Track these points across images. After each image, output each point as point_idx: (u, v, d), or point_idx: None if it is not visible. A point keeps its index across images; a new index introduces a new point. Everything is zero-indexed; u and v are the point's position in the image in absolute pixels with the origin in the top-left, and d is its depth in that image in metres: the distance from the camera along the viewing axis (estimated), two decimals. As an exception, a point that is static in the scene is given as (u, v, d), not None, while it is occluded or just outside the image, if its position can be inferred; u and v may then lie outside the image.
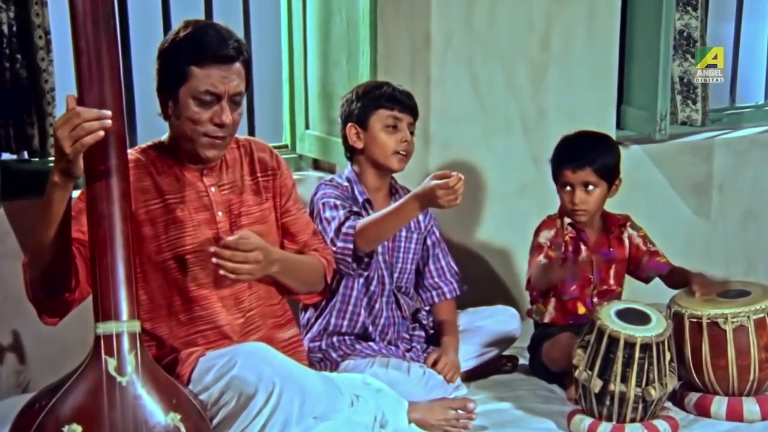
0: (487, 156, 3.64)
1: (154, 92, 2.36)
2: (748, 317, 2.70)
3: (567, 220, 3.02)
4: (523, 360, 3.17)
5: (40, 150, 2.78)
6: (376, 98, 2.84)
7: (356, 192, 2.86)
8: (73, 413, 1.97)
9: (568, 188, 2.98)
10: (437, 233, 3.06)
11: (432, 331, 3.03)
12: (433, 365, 2.79)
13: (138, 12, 3.16)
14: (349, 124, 2.87)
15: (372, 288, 2.88)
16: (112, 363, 2.02)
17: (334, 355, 2.82)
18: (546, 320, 3.07)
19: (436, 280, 3.03)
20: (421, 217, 2.96)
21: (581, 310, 3.03)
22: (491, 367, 3.09)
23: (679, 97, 4.17)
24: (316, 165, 3.51)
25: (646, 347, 2.54)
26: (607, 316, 2.62)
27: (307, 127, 3.43)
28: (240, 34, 2.67)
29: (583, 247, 3.03)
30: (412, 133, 2.89)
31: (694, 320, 2.74)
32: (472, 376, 3.00)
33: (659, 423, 2.60)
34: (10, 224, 2.79)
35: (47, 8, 2.74)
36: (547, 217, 3.07)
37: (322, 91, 3.31)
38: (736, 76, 4.54)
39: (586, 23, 3.77)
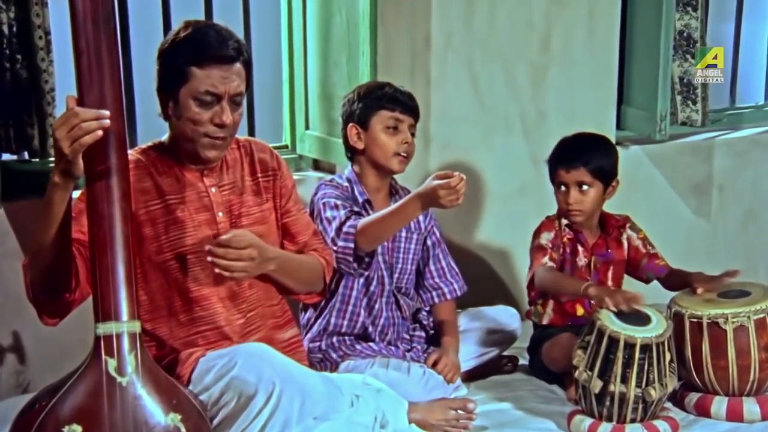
0: (487, 156, 3.64)
1: (155, 93, 2.36)
2: (749, 317, 2.70)
3: (565, 221, 3.03)
4: (523, 360, 3.17)
5: (41, 150, 2.78)
6: (378, 99, 2.84)
7: (356, 192, 2.86)
8: (73, 414, 1.97)
9: (563, 188, 2.99)
10: (437, 234, 3.06)
11: (432, 332, 3.03)
12: (434, 365, 2.79)
13: (138, 12, 3.16)
14: (350, 125, 2.87)
15: (372, 288, 2.88)
16: (112, 363, 2.02)
17: (334, 355, 2.82)
18: (545, 322, 3.07)
19: (437, 280, 3.03)
20: (421, 218, 2.96)
21: (580, 311, 3.03)
22: (491, 368, 3.09)
23: (679, 98, 4.17)
24: (316, 165, 3.51)
25: (646, 348, 2.54)
26: (607, 317, 2.62)
27: (307, 127, 3.44)
28: (240, 34, 2.68)
29: (580, 249, 3.03)
30: (413, 135, 2.89)
31: (695, 320, 2.74)
32: (472, 376, 3.00)
33: (659, 423, 2.60)
34: (10, 224, 2.79)
35: (47, 8, 2.74)
36: (546, 218, 3.07)
37: (322, 92, 3.31)
38: (736, 77, 4.55)
39: (586, 24, 3.77)
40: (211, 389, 2.22)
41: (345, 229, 2.66)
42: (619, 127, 4.07)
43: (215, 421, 2.20)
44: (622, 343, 2.54)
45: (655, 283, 3.10)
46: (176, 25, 2.37)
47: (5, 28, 2.68)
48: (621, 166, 3.09)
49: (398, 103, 2.85)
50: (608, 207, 3.11)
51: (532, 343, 3.11)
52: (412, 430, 2.52)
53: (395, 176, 2.96)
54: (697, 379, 2.77)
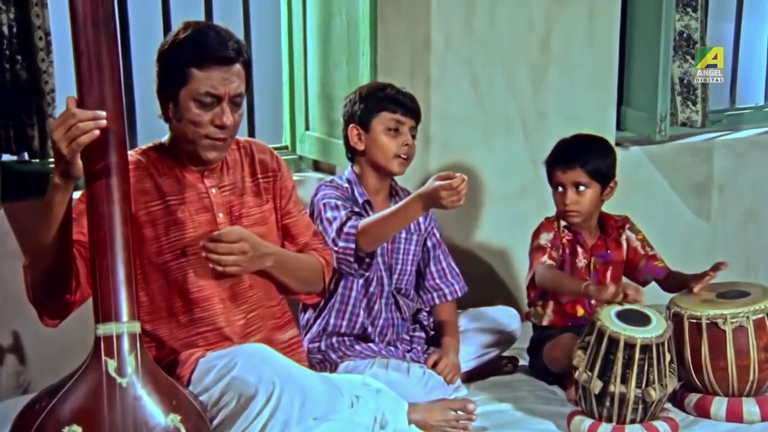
0: (487, 157, 3.64)
1: (155, 94, 2.36)
2: (748, 318, 2.70)
3: (564, 222, 3.03)
4: (523, 361, 3.17)
5: (41, 151, 2.78)
6: (379, 100, 2.84)
7: (356, 193, 2.86)
8: (73, 414, 1.98)
9: (560, 189, 2.99)
10: (437, 235, 3.06)
11: (432, 332, 3.03)
12: (434, 366, 2.79)
13: (138, 13, 3.16)
14: (351, 125, 2.87)
15: (371, 289, 2.88)
16: (112, 364, 2.02)
17: (333, 356, 2.82)
18: (544, 323, 3.07)
19: (437, 281, 3.03)
20: (421, 219, 2.96)
21: (580, 312, 3.04)
22: (491, 368, 3.09)
23: (679, 99, 4.17)
24: (316, 166, 3.51)
25: (646, 348, 2.54)
26: (608, 318, 2.62)
27: (307, 128, 3.44)
28: (240, 35, 2.68)
29: (580, 250, 3.03)
30: (413, 137, 2.88)
31: (694, 321, 2.74)
32: (472, 377, 3.00)
33: (659, 424, 2.60)
34: (10, 225, 2.79)
35: (47, 9, 2.74)
36: (545, 219, 3.08)
37: (322, 93, 3.32)
38: (736, 78, 4.55)
39: (586, 24, 3.77)
40: (211, 390, 2.22)
41: (346, 229, 2.66)
42: (619, 127, 4.07)
43: (215, 422, 2.20)
44: (622, 344, 2.54)
45: (655, 283, 3.11)
46: (176, 25, 2.37)
47: (5, 29, 2.68)
48: (621, 166, 3.09)
49: (400, 104, 2.85)
50: (608, 207, 3.11)
51: (532, 344, 3.11)
52: (411, 430, 2.52)
53: (395, 177, 2.96)
54: (696, 379, 2.77)
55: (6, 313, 2.79)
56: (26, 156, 2.84)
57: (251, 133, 3.43)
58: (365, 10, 3.03)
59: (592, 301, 3.02)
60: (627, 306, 2.68)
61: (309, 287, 2.61)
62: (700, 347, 2.73)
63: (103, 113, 1.94)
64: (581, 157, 2.96)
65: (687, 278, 2.95)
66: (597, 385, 2.57)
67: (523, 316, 3.19)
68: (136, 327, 2.06)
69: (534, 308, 3.11)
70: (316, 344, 2.86)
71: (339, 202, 2.76)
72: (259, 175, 2.50)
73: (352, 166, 2.93)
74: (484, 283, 3.61)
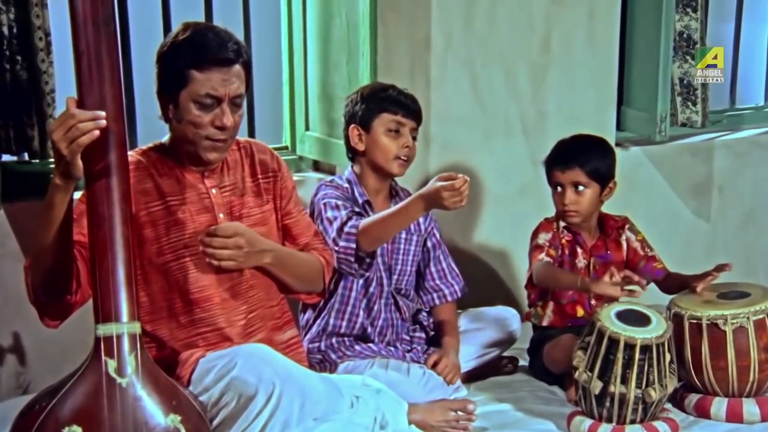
0: (487, 157, 3.64)
1: (155, 95, 2.36)
2: (748, 318, 2.70)
3: (563, 223, 3.03)
4: (523, 361, 3.17)
5: (41, 151, 2.78)
6: (381, 101, 2.83)
7: (356, 193, 2.86)
8: (73, 415, 1.98)
9: (559, 189, 2.99)
10: (437, 235, 3.06)
11: (432, 333, 3.03)
12: (434, 366, 2.79)
13: (138, 13, 3.16)
14: (352, 126, 2.87)
15: (371, 289, 2.88)
16: (112, 364, 2.02)
17: (333, 356, 2.82)
18: (544, 323, 3.07)
19: (437, 282, 3.03)
20: (421, 220, 2.96)
21: (580, 312, 3.04)
22: (491, 369, 3.09)
23: (679, 99, 4.17)
24: (316, 166, 3.51)
25: (646, 349, 2.54)
26: (608, 318, 2.62)
27: (307, 128, 3.44)
28: (240, 35, 2.68)
29: (579, 250, 3.03)
30: (414, 138, 2.88)
31: (694, 321, 2.75)
32: (472, 377, 3.00)
33: (659, 424, 2.60)
34: (10, 226, 2.79)
35: (47, 10, 2.74)
36: (544, 219, 3.08)
37: (323, 93, 3.32)
38: (736, 78, 4.55)
39: (586, 25, 3.77)
40: (211, 390, 2.22)
41: (347, 229, 2.65)
42: (619, 128, 4.07)
43: (215, 422, 2.20)
44: (622, 344, 2.54)
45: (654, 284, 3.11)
46: (176, 26, 2.37)
47: (5, 30, 2.68)
48: (621, 167, 3.09)
49: (401, 106, 2.84)
50: (608, 208, 3.11)
51: (532, 345, 3.11)
52: (411, 431, 2.52)
53: (395, 178, 2.96)
54: (696, 380, 2.77)
55: (6, 313, 2.79)
56: (26, 156, 2.84)
57: (251, 133, 3.43)
58: (365, 11, 3.03)
59: (592, 302, 3.03)
60: (627, 306, 2.68)
61: (309, 286, 2.61)
62: (701, 348, 2.73)
63: (103, 113, 1.95)
64: (580, 157, 2.96)
65: (688, 279, 2.95)
66: (597, 386, 2.57)
67: (523, 316, 3.19)
68: (136, 327, 2.06)
69: (534, 309, 3.11)
70: (316, 344, 2.86)
71: (339, 202, 2.76)
72: (260, 176, 2.50)
73: (352, 166, 2.93)
74: (484, 283, 3.61)
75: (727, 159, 4.30)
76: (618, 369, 2.55)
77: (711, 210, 4.29)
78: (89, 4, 2.00)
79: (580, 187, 2.96)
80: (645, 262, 3.07)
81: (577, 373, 2.62)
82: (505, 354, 3.15)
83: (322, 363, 2.82)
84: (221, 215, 2.39)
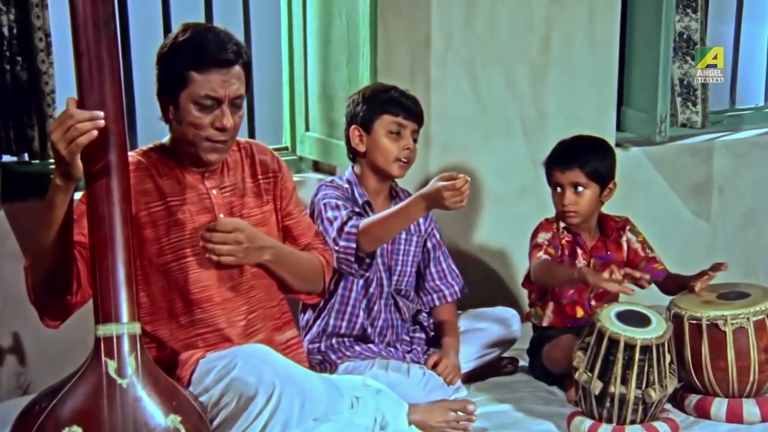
0: (487, 158, 3.64)
1: (155, 95, 2.36)
2: (748, 319, 2.70)
3: (563, 224, 3.03)
4: (523, 362, 3.17)
5: (41, 152, 2.78)
6: (382, 102, 2.83)
7: (356, 194, 2.86)
8: (74, 415, 1.98)
9: (559, 189, 2.99)
10: (437, 236, 3.06)
11: (432, 333, 3.03)
12: (434, 367, 2.79)
13: (138, 13, 3.16)
14: (353, 126, 2.87)
15: (371, 290, 2.88)
16: (112, 365, 2.02)
17: (333, 356, 2.82)
18: (544, 324, 3.07)
19: (437, 282, 3.03)
20: (421, 220, 2.96)
21: (579, 313, 3.04)
22: (491, 369, 3.09)
23: (679, 99, 4.17)
24: (317, 167, 3.51)
25: (646, 349, 2.54)
26: (608, 318, 2.62)
27: (307, 129, 3.44)
28: (240, 36, 2.68)
29: (579, 251, 3.03)
30: (415, 140, 2.88)
31: (694, 322, 2.74)
32: (472, 377, 3.00)
33: (659, 425, 2.60)
34: (10, 226, 2.79)
35: (48, 10, 2.74)
36: (544, 220, 3.07)
37: (323, 93, 3.32)
38: (736, 78, 4.55)
39: (586, 25, 3.77)
40: (211, 390, 2.22)
41: (347, 229, 2.65)
42: (619, 128, 4.07)
43: (215, 423, 2.20)
44: (622, 345, 2.54)
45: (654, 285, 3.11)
46: (176, 26, 2.37)
47: (5, 30, 2.68)
48: (621, 167, 3.09)
49: (402, 107, 2.84)
50: (608, 208, 3.11)
51: (532, 345, 3.11)
52: (411, 431, 2.52)
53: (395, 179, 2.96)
54: (696, 380, 2.77)
55: (6, 314, 2.80)
56: (26, 157, 2.84)
57: (251, 133, 3.43)
58: (365, 11, 3.03)
59: (592, 302, 3.03)
60: (627, 307, 2.68)
61: (309, 285, 2.61)
62: (701, 348, 2.73)
63: (101, 113, 1.95)
64: (580, 157, 2.96)
65: (686, 280, 2.95)
66: (597, 386, 2.57)
67: (523, 316, 3.19)
68: (137, 328, 2.06)
69: (534, 309, 3.11)
70: (316, 345, 2.86)
71: (340, 202, 2.76)
72: (260, 176, 2.50)
73: (352, 167, 2.93)
74: (484, 283, 3.61)
75: (727, 159, 4.30)
76: (618, 369, 2.55)
77: (711, 210, 4.29)
78: (89, 4, 2.00)
79: (580, 188, 2.96)
80: (645, 263, 3.07)
81: (577, 373, 2.62)
82: (505, 354, 3.15)
83: (322, 363, 2.82)
84: (221, 216, 2.39)
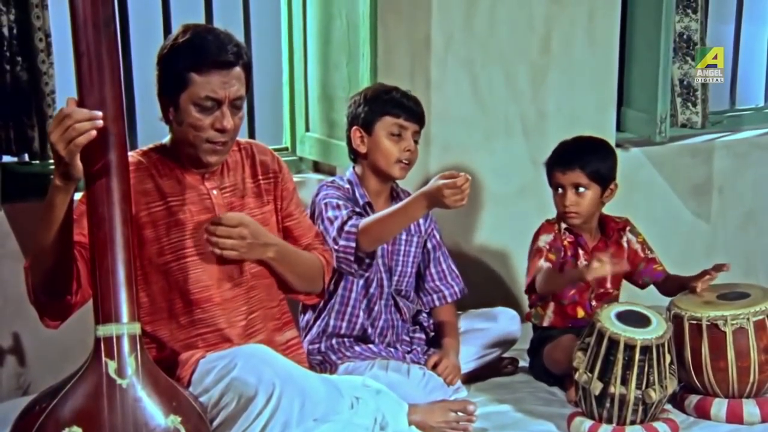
0: (487, 158, 3.64)
1: (155, 96, 2.36)
2: (748, 319, 2.70)
3: (564, 225, 3.03)
4: (524, 362, 3.17)
5: (41, 152, 2.78)
6: (384, 104, 2.83)
7: (357, 194, 2.86)
8: (74, 415, 1.98)
9: (560, 190, 2.99)
10: (437, 236, 3.06)
11: (432, 334, 3.03)
12: (434, 367, 2.79)
13: (138, 13, 3.16)
14: (354, 127, 2.86)
15: (371, 290, 2.88)
16: (112, 365, 2.02)
17: (333, 357, 2.82)
18: (545, 324, 3.07)
19: (437, 283, 3.03)
20: (421, 221, 2.96)
21: (580, 313, 3.04)
22: (492, 369, 3.09)
23: (679, 100, 4.17)
24: (317, 167, 3.51)
25: (646, 349, 2.54)
26: (608, 319, 2.62)
27: (307, 129, 3.44)
28: (240, 36, 2.68)
29: (581, 252, 3.03)
30: (416, 142, 2.87)
31: (694, 322, 2.74)
32: (472, 378, 3.00)
33: (659, 425, 2.60)
34: (10, 226, 2.79)
35: (48, 11, 2.74)
36: (546, 221, 3.08)
37: (323, 94, 3.32)
38: (736, 79, 4.55)
39: (586, 25, 3.78)
40: (211, 391, 2.22)
41: (347, 228, 2.65)
42: (619, 129, 4.07)
43: (215, 423, 2.20)
44: (622, 345, 2.54)
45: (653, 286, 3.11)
46: (176, 27, 2.37)
47: (5, 31, 2.68)
48: (621, 168, 3.09)
49: (404, 109, 2.83)
50: (608, 209, 3.11)
51: (532, 345, 3.11)
52: (411, 431, 2.53)
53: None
54: (696, 380, 2.77)
55: (6, 314, 2.80)
56: (26, 157, 2.85)
57: (251, 134, 3.43)
58: (365, 12, 3.03)
59: (593, 303, 3.03)
60: (627, 307, 2.68)
61: (309, 285, 2.61)
62: (701, 348, 2.73)
63: (100, 113, 1.94)
64: (581, 158, 2.96)
65: (686, 280, 2.95)
66: (597, 387, 2.57)
67: (524, 317, 3.19)
68: (137, 328, 2.06)
69: (534, 309, 3.11)
70: (316, 345, 2.86)
71: (340, 202, 2.75)
72: (260, 177, 2.50)
73: (353, 168, 2.93)
74: (484, 284, 3.61)
75: (727, 160, 4.30)
76: (618, 370, 2.55)
77: (711, 211, 4.29)
78: (89, 5, 2.00)
79: (581, 189, 2.96)
80: (645, 264, 3.07)
81: (577, 374, 2.62)
82: (506, 355, 3.15)
83: (322, 364, 2.82)
84: (222, 216, 2.39)
